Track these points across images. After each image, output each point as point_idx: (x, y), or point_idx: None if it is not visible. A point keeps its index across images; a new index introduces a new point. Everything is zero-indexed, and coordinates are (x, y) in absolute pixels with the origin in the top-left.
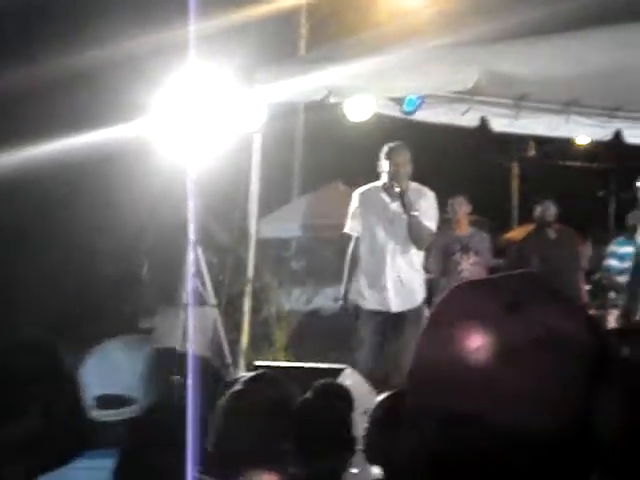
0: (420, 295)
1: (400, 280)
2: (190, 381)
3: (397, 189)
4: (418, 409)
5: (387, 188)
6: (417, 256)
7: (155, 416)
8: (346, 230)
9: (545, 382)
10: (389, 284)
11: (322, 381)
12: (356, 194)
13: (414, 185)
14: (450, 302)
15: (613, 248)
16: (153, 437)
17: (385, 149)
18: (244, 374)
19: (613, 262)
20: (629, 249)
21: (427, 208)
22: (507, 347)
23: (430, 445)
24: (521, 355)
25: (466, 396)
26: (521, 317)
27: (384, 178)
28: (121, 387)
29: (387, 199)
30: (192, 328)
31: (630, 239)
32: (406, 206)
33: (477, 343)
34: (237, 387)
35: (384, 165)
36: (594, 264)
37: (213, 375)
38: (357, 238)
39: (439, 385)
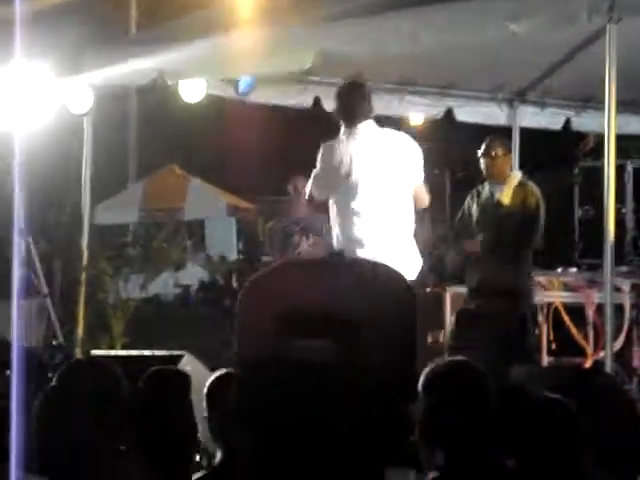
0: None
1: None
2: (14, 374)
3: None
4: (245, 389)
5: None
6: None
7: None
8: None
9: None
10: None
11: (153, 369)
12: None
13: None
14: (274, 276)
15: None
16: None
17: None
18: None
19: None
20: None
21: None
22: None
23: (261, 422)
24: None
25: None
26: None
27: None
28: None
29: None
30: (16, 318)
31: None
32: None
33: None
34: (53, 382)
35: None
36: (434, 242)
37: (40, 366)
38: None
39: (263, 364)
